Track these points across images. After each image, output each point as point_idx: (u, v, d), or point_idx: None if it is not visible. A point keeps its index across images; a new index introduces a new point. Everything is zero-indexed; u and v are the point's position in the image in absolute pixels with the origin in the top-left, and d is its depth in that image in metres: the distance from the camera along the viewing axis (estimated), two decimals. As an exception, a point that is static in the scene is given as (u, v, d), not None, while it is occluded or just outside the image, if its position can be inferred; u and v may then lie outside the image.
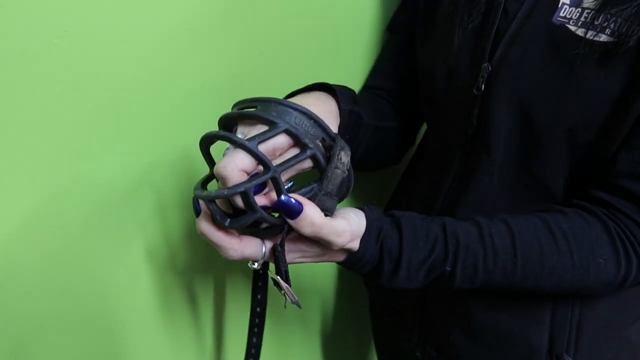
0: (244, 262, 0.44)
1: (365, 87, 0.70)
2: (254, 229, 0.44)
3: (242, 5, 0.55)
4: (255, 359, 0.56)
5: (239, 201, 0.39)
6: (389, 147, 0.66)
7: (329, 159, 0.43)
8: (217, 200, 0.42)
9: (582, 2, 0.45)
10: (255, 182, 0.38)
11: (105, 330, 0.57)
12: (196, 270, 0.64)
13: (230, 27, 0.55)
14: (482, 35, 0.52)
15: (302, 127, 0.42)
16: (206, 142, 0.44)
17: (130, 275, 0.57)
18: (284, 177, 0.43)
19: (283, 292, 0.45)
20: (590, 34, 0.44)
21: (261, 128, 0.41)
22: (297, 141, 0.42)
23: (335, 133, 0.45)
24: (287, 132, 0.41)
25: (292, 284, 0.44)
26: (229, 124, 0.44)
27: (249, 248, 0.43)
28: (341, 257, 0.47)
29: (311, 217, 0.40)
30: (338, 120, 0.51)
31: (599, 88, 0.45)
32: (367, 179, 0.79)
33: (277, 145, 0.41)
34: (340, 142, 0.44)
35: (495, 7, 0.51)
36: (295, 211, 0.40)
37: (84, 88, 0.47)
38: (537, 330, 0.54)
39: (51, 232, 0.50)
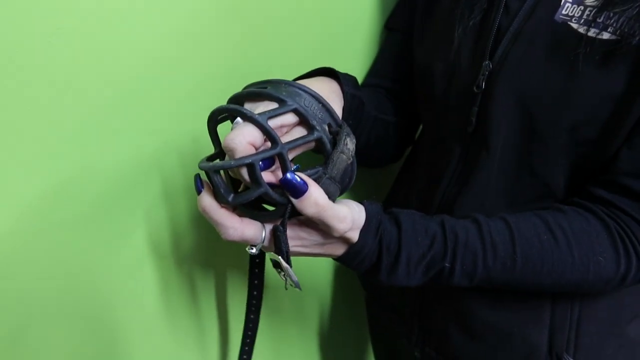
0: (243, 246, 0.44)
1: (364, 85, 0.70)
2: (255, 212, 0.44)
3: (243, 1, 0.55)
4: (252, 339, 0.56)
5: (244, 173, 0.39)
6: (387, 144, 0.66)
7: (334, 145, 0.43)
8: (221, 177, 0.42)
9: (584, 0, 0.45)
10: (262, 156, 0.39)
11: (106, 320, 0.57)
12: (198, 261, 0.64)
13: (233, 19, 0.55)
14: (483, 33, 0.52)
15: (310, 109, 0.42)
16: (215, 118, 0.44)
17: (131, 267, 0.57)
18: (289, 156, 0.43)
19: (283, 274, 0.44)
20: (592, 32, 0.44)
21: (270, 106, 0.41)
22: (304, 121, 0.42)
23: (341, 120, 0.45)
24: (296, 111, 0.41)
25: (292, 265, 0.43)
26: (238, 103, 0.44)
27: (249, 230, 0.42)
28: (340, 250, 0.46)
29: (315, 197, 0.40)
30: (342, 103, 0.51)
31: (601, 86, 0.45)
32: (364, 176, 0.78)
33: (285, 122, 0.42)
34: (347, 129, 0.44)
35: (497, 3, 0.51)
36: (300, 190, 0.40)
37: (89, 77, 0.47)
38: (536, 329, 0.54)
39: (52, 223, 0.49)
